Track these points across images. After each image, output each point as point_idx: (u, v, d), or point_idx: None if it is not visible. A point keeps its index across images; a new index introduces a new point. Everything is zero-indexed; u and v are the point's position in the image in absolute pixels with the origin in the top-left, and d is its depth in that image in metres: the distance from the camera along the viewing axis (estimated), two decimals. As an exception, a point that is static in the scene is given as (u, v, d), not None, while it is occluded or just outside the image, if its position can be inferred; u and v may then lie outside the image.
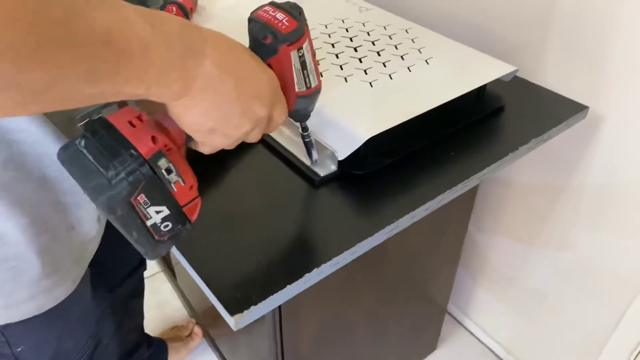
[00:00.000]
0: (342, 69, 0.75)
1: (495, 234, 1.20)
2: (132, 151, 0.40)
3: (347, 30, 0.84)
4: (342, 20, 0.87)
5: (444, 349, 1.38)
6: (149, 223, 0.43)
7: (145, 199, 0.41)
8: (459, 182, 0.67)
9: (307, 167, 0.68)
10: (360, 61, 0.76)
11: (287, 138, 0.72)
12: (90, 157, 0.40)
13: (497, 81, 0.78)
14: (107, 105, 0.44)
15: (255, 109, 0.45)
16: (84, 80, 0.31)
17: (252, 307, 0.51)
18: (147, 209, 0.42)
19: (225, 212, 0.63)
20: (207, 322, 1.35)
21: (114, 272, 0.89)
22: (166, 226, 0.44)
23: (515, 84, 0.88)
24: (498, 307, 1.29)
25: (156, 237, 0.44)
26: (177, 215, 0.44)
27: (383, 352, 1.14)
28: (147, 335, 1.18)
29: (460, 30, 1.02)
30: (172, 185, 0.43)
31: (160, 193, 0.42)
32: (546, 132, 0.77)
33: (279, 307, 0.78)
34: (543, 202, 1.04)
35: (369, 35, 0.83)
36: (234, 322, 0.49)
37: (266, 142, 0.73)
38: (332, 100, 0.68)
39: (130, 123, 0.42)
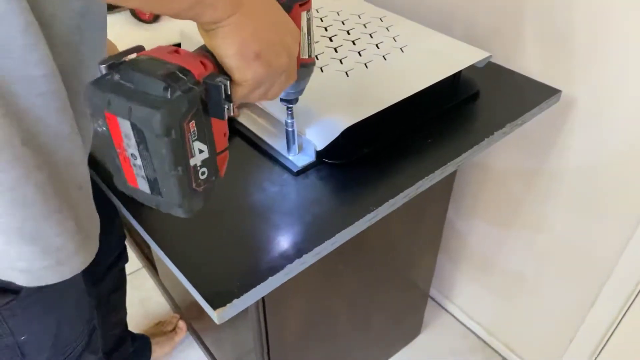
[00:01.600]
0: (317, 58, 0.75)
1: (474, 219, 1.21)
2: (185, 71, 0.39)
3: (321, 20, 0.84)
4: (316, 10, 0.86)
5: (428, 333, 1.39)
6: (192, 162, 0.41)
7: (195, 129, 0.40)
8: (437, 169, 0.68)
9: (285, 157, 0.68)
10: (336, 51, 0.76)
11: (264, 129, 0.72)
12: (140, 79, 0.38)
13: (472, 67, 0.79)
14: (126, 53, 0.42)
15: (289, 42, 0.47)
16: None
17: (235, 300, 0.51)
18: (193, 143, 0.41)
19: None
20: (191, 316, 1.34)
21: (96, 265, 0.88)
22: (203, 173, 0.43)
23: (490, 70, 0.89)
24: (479, 290, 1.32)
25: (194, 184, 0.42)
26: (213, 162, 0.43)
27: (368, 339, 1.16)
28: (130, 332, 1.17)
29: (433, 17, 1.03)
30: (228, 108, 0.42)
31: (206, 127, 0.41)
32: (520, 117, 0.78)
33: (263, 298, 0.78)
34: (520, 185, 1.06)
35: (343, 24, 0.82)
36: (216, 315, 0.50)
37: (243, 134, 0.73)
38: (308, 90, 0.68)
39: (171, 53, 0.41)
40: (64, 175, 0.49)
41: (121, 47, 0.76)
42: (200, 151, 0.42)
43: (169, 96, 0.38)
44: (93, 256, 0.54)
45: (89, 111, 0.41)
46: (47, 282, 0.50)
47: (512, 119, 0.76)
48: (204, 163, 0.43)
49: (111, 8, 0.98)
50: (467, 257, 1.30)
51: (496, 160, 1.08)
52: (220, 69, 0.44)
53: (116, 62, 0.40)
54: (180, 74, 0.39)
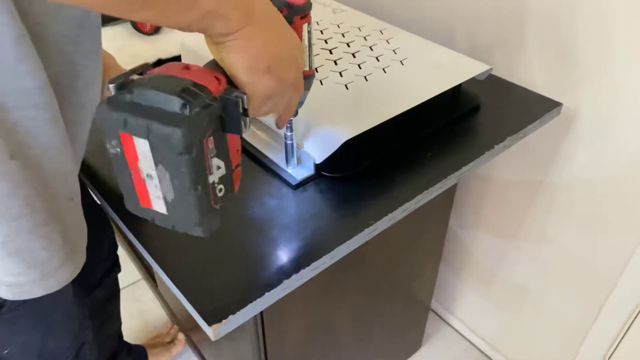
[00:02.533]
0: (317, 71, 0.74)
1: (476, 230, 1.21)
2: (201, 87, 0.38)
3: (322, 32, 0.83)
4: (317, 22, 0.86)
5: (429, 346, 1.38)
6: (210, 179, 0.40)
7: (213, 145, 0.39)
8: (437, 183, 0.67)
9: (285, 171, 0.67)
10: (336, 63, 0.76)
11: (264, 142, 0.72)
12: (155, 96, 0.37)
13: (473, 80, 0.78)
14: (133, 72, 0.41)
15: (296, 55, 0.48)
16: None
17: (231, 317, 0.50)
18: (212, 160, 0.40)
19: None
20: (189, 328, 1.33)
21: (89, 273, 0.88)
22: (220, 190, 0.42)
23: (491, 83, 0.89)
24: (481, 303, 1.30)
25: (212, 202, 0.41)
26: (229, 177, 0.43)
27: (368, 353, 1.14)
28: (126, 343, 1.16)
29: (435, 30, 1.03)
30: (245, 123, 0.41)
31: (223, 143, 0.41)
32: (521, 130, 0.77)
33: (261, 312, 0.77)
34: (523, 197, 1.05)
35: (343, 36, 0.82)
36: (212, 332, 0.49)
37: (242, 147, 0.72)
38: (308, 103, 0.68)
39: (183, 69, 0.40)
40: (54, 187, 0.48)
41: (121, 59, 0.76)
42: (218, 168, 0.41)
43: (188, 113, 0.37)
44: (79, 269, 0.54)
45: (103, 132, 0.39)
46: (32, 296, 0.49)
47: (512, 132, 0.76)
48: (221, 180, 0.42)
49: (111, 20, 0.99)
50: (470, 270, 1.29)
51: (499, 172, 1.08)
52: (231, 83, 0.43)
53: (126, 81, 0.39)
54: (197, 90, 0.38)
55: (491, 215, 1.15)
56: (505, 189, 1.09)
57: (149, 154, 0.38)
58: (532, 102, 0.84)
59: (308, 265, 0.56)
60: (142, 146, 0.38)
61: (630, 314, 0.96)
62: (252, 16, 0.42)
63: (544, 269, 1.09)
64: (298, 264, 0.56)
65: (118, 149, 0.39)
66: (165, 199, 0.41)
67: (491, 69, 0.78)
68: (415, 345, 1.36)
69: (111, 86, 0.39)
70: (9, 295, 0.49)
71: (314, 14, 0.90)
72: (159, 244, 0.59)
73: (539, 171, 0.99)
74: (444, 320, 1.45)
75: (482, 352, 1.36)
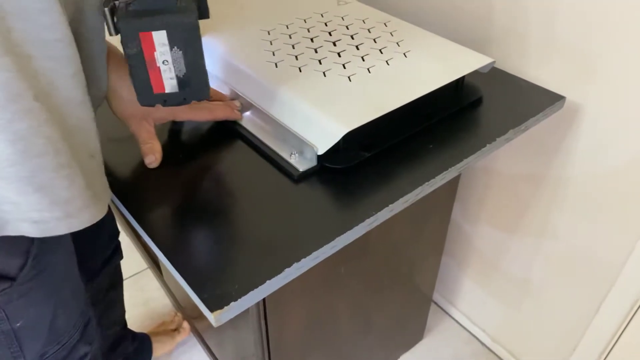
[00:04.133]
0: (320, 63, 0.75)
1: (479, 223, 1.21)
2: None
3: (325, 25, 0.84)
4: (321, 14, 0.87)
5: (431, 338, 1.39)
6: None
7: None
8: (437, 175, 0.68)
9: (287, 162, 0.68)
10: (339, 55, 0.77)
11: (267, 134, 0.72)
12: (153, 1, 0.52)
13: (476, 73, 0.79)
14: None
15: None
16: None
17: (232, 303, 0.51)
18: None
19: (204, 208, 0.63)
20: (193, 316, 1.35)
21: (90, 261, 0.89)
22: None
23: (495, 76, 0.89)
24: (483, 295, 1.31)
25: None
26: None
27: (369, 343, 1.16)
28: (131, 330, 1.18)
29: (439, 22, 1.03)
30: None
31: None
32: (524, 123, 0.77)
33: (264, 300, 0.78)
34: (525, 190, 1.06)
35: (347, 29, 0.83)
36: (214, 318, 0.50)
37: (245, 138, 0.73)
38: (310, 94, 0.69)
39: None
40: (75, 140, 0.50)
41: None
42: None
43: (183, 4, 0.52)
44: (102, 214, 0.55)
45: (122, 40, 0.52)
46: (56, 233, 0.50)
47: (514, 125, 0.76)
48: None
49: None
50: (472, 262, 1.29)
51: (503, 164, 1.08)
52: None
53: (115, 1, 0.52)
54: None
55: (494, 208, 1.16)
56: (508, 182, 1.09)
57: (166, 41, 0.53)
58: (535, 96, 0.84)
59: (309, 254, 0.57)
60: (159, 37, 0.52)
61: (631, 308, 0.96)
62: None
63: (546, 262, 1.09)
64: (299, 253, 0.57)
65: (137, 49, 0.53)
66: (177, 77, 0.56)
67: (494, 62, 0.79)
68: (417, 337, 1.37)
69: (106, 9, 0.52)
70: (34, 231, 0.49)
71: (318, 5, 0.91)
72: (163, 231, 0.60)
73: (542, 164, 0.99)
74: (445, 312, 1.46)
75: (483, 343, 1.37)
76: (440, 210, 1.06)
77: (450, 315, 1.44)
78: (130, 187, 0.67)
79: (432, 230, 1.07)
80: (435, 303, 1.47)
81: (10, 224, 0.48)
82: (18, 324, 0.56)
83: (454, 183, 1.05)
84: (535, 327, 1.21)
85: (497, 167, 1.09)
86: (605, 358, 1.07)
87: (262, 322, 0.82)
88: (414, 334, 1.35)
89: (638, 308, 0.96)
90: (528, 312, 1.21)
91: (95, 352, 0.72)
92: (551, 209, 1.02)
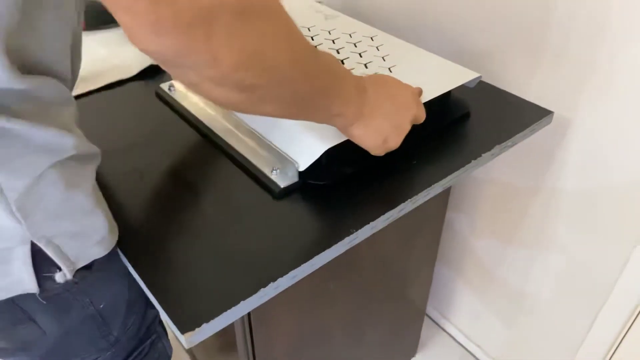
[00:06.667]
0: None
1: (473, 235, 1.20)
2: None
3: (312, 39, 0.84)
4: (308, 29, 0.86)
5: (424, 353, 1.38)
6: None
7: None
8: (420, 192, 0.67)
9: (268, 178, 0.67)
10: (324, 70, 0.76)
11: (250, 149, 0.72)
12: None
13: (464, 88, 0.78)
14: None
15: (410, 102, 0.65)
16: (318, 93, 0.52)
17: (204, 325, 0.50)
18: None
19: (183, 224, 0.62)
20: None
21: None
22: None
23: (483, 90, 0.88)
24: (477, 309, 1.30)
25: None
26: None
27: (361, 358, 1.14)
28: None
29: (428, 36, 1.02)
30: None
31: None
32: (510, 139, 0.77)
33: (249, 317, 0.77)
34: (520, 201, 1.05)
35: (333, 43, 0.82)
36: (185, 340, 0.49)
37: (228, 153, 0.73)
38: (292, 110, 0.68)
39: None
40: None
41: (112, 62, 0.76)
42: None
43: None
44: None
45: None
46: (111, 248, 0.57)
47: (500, 140, 0.75)
48: None
49: (107, 22, 0.99)
50: (467, 276, 1.28)
51: (497, 174, 1.07)
52: None
53: None
54: None
55: (488, 220, 1.14)
56: (503, 193, 1.08)
57: None
58: (523, 111, 0.84)
59: (286, 273, 0.56)
60: None
61: (628, 318, 0.95)
62: (363, 110, 0.58)
63: (541, 274, 1.08)
64: (276, 271, 0.56)
65: None
66: None
67: (480, 76, 0.78)
68: (410, 352, 1.35)
69: None
70: (101, 251, 0.56)
71: (306, 19, 0.90)
72: (138, 248, 0.59)
73: (536, 175, 0.99)
74: (439, 326, 1.44)
75: (477, 359, 1.35)
76: (431, 223, 1.05)
77: (444, 330, 1.43)
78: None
79: (424, 243, 1.06)
80: (430, 317, 1.46)
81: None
82: (102, 306, 0.60)
83: (445, 196, 1.04)
84: (530, 342, 1.19)
85: (492, 177, 1.09)
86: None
87: (248, 337, 0.81)
88: (407, 350, 1.33)
89: (634, 320, 0.94)
90: (523, 326, 1.19)
91: (157, 313, 0.75)
92: (545, 221, 1.01)
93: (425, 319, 1.42)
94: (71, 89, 0.55)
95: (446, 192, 1.03)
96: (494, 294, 1.23)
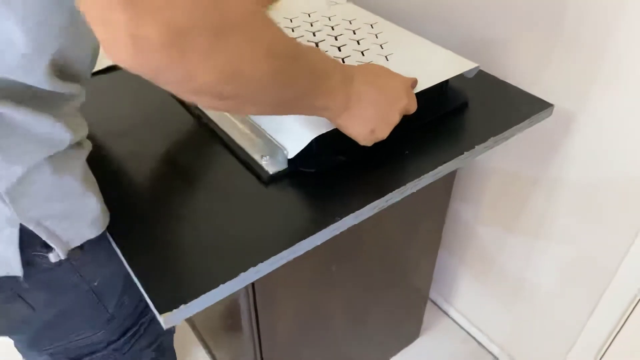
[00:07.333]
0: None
1: (476, 221, 1.20)
2: None
3: (311, 25, 0.84)
4: (308, 15, 0.86)
5: (427, 336, 1.39)
6: None
7: None
8: (409, 182, 0.67)
9: (258, 164, 0.69)
10: (321, 57, 0.76)
11: (243, 135, 0.73)
12: None
13: (463, 78, 0.77)
14: None
15: (400, 92, 0.65)
16: (302, 94, 0.52)
17: (182, 306, 0.52)
18: None
19: (172, 206, 0.64)
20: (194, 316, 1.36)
21: None
22: None
23: (483, 81, 0.87)
24: (481, 294, 1.30)
25: None
26: None
27: (364, 340, 1.16)
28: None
29: (429, 25, 1.01)
30: None
31: None
32: (507, 130, 0.76)
33: (254, 297, 0.78)
34: (523, 190, 1.04)
35: (332, 29, 0.82)
36: (162, 319, 0.51)
37: (221, 139, 0.74)
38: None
39: None
40: None
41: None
42: None
43: None
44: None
45: None
46: (104, 229, 0.59)
47: (496, 132, 0.75)
48: None
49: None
50: (470, 261, 1.28)
51: (501, 163, 1.07)
52: None
53: None
54: None
55: (492, 206, 1.14)
56: (507, 181, 1.08)
57: None
58: (522, 102, 0.83)
59: (267, 259, 0.58)
60: None
61: (626, 309, 0.95)
62: (350, 101, 0.59)
63: (542, 262, 1.08)
64: (258, 257, 0.58)
65: None
66: None
67: (478, 66, 0.77)
68: (413, 335, 1.36)
69: None
70: (93, 232, 0.58)
71: (308, 6, 0.90)
72: (124, 230, 0.61)
73: (539, 164, 0.98)
74: (443, 310, 1.45)
75: (479, 343, 1.36)
76: (435, 210, 1.04)
77: (447, 314, 1.44)
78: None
79: (427, 229, 1.06)
80: (433, 302, 1.47)
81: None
82: (95, 283, 0.63)
83: (449, 183, 1.03)
84: (531, 327, 1.20)
85: (497, 166, 1.08)
86: (602, 357, 1.06)
87: (254, 318, 0.82)
88: (410, 333, 1.35)
89: (634, 309, 0.94)
90: (525, 311, 1.19)
91: None
92: (549, 209, 1.01)
93: (429, 303, 1.43)
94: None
95: (450, 179, 1.03)
96: (496, 279, 1.23)
